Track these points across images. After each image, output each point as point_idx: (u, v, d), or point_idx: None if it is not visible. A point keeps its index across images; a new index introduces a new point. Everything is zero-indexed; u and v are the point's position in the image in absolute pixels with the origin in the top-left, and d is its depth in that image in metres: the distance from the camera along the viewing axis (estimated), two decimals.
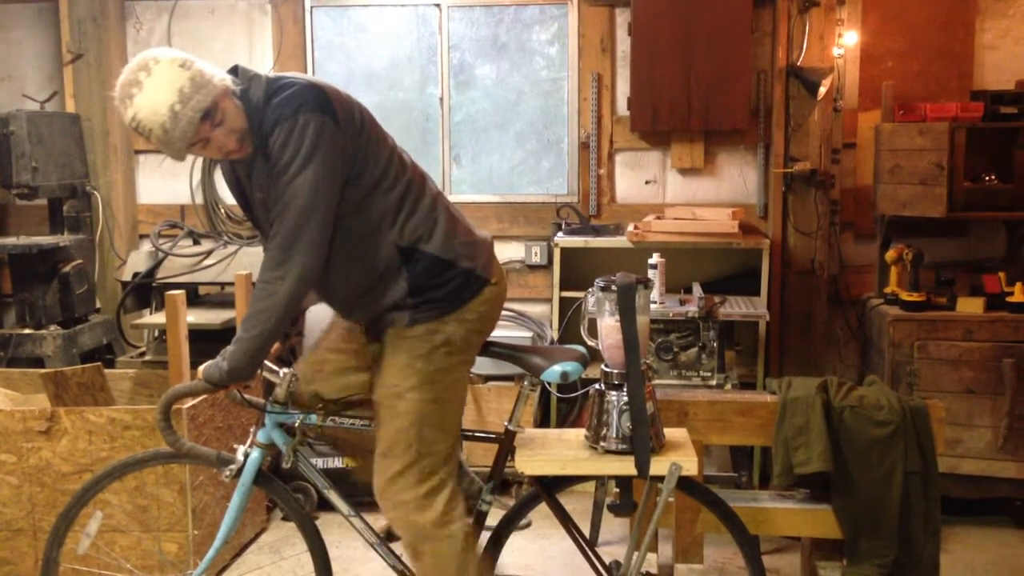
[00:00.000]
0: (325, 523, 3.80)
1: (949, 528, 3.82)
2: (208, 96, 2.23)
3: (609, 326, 2.50)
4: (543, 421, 4.46)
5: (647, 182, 4.83)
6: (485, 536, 2.58)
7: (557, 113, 4.98)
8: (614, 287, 2.46)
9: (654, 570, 3.33)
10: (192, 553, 3.28)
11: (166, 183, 5.09)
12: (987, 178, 4.22)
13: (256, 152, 2.33)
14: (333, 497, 2.58)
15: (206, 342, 3.69)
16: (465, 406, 2.56)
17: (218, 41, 5.01)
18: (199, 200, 5.02)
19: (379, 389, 2.47)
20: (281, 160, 2.25)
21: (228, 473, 2.55)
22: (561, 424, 4.51)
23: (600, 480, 3.61)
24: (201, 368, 2.40)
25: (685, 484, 2.48)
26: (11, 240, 4.46)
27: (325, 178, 2.26)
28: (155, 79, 2.21)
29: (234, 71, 2.36)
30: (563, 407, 4.57)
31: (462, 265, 2.42)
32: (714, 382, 3.90)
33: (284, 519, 4.00)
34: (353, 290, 2.47)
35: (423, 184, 2.47)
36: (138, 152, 5.09)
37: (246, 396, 2.58)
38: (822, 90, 4.43)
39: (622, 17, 4.74)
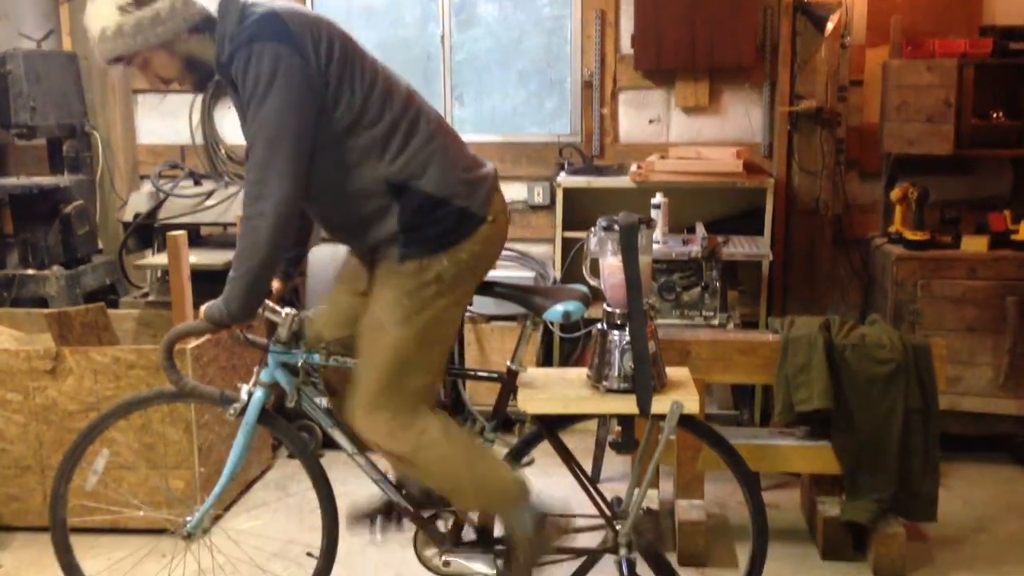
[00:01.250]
0: (330, 461, 3.82)
1: (949, 464, 3.84)
2: (124, 48, 2.28)
3: (611, 266, 2.50)
4: (546, 361, 4.48)
5: (651, 121, 4.79)
6: None
7: (560, 51, 4.92)
8: (616, 227, 2.45)
9: (655, 506, 3.38)
10: (199, 489, 3.32)
11: (165, 123, 5.05)
12: (995, 115, 4.17)
13: (228, 84, 2.32)
14: (337, 435, 2.60)
15: (209, 282, 3.69)
16: (453, 345, 2.55)
17: None
18: (199, 140, 4.98)
19: (364, 320, 2.45)
20: (244, 92, 2.25)
21: (232, 412, 2.57)
22: (564, 363, 4.54)
23: (602, 419, 3.64)
24: (203, 308, 2.41)
25: (686, 422, 2.49)
26: (11, 180, 4.43)
27: (289, 106, 2.22)
28: (98, 2, 2.29)
29: (223, 4, 2.32)
30: (566, 347, 4.58)
31: (456, 203, 2.37)
32: (716, 322, 3.91)
33: (290, 457, 4.05)
34: (343, 222, 2.46)
35: (417, 119, 2.40)
36: (136, 92, 5.04)
37: (249, 336, 2.60)
38: (829, 26, 4.36)
39: None
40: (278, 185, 2.23)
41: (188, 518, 2.65)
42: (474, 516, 2.60)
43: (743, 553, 3.22)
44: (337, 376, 2.60)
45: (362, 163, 2.34)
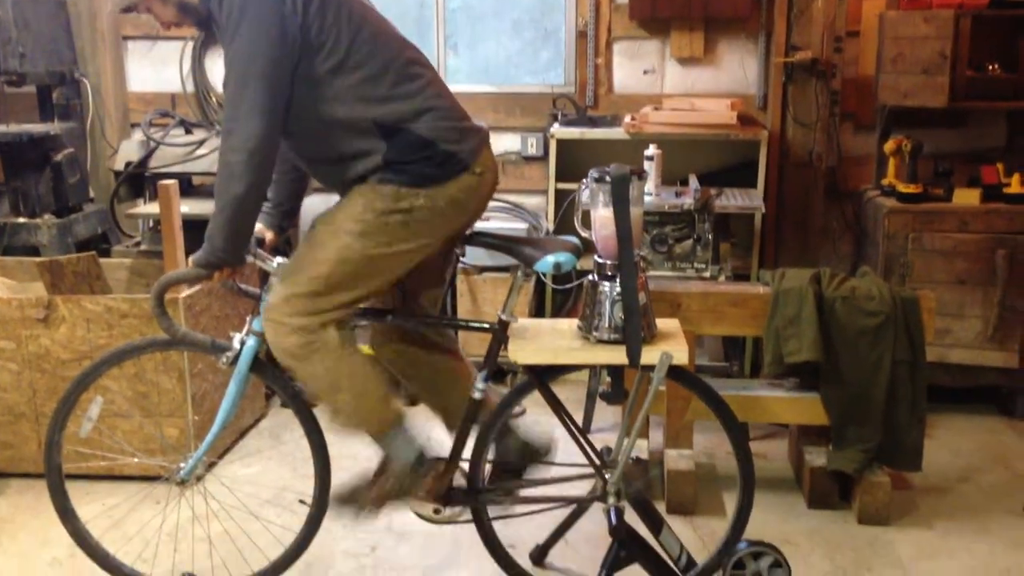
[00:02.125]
0: (322, 409, 3.87)
1: (936, 415, 3.90)
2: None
3: (603, 217, 2.49)
4: (538, 312, 4.49)
5: (645, 72, 4.75)
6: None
7: (555, 1, 4.86)
8: (608, 178, 2.44)
9: (645, 456, 3.42)
10: (193, 437, 3.35)
11: (156, 71, 5.00)
12: (990, 67, 4.15)
13: (214, 25, 2.34)
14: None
15: (200, 232, 3.66)
16: (391, 283, 2.53)
17: None
18: (190, 88, 4.94)
19: (323, 215, 2.46)
20: (219, 30, 2.28)
21: (224, 360, 2.58)
22: (555, 315, 4.55)
23: (593, 369, 3.67)
24: (191, 256, 2.42)
25: (676, 373, 2.51)
26: (1, 128, 4.40)
27: (260, 41, 2.23)
28: None
29: None
30: (558, 298, 4.60)
31: (443, 147, 2.39)
32: (708, 274, 3.92)
33: (283, 406, 4.07)
34: (325, 160, 2.47)
35: (410, 65, 2.41)
36: (126, 38, 4.98)
37: (242, 285, 2.60)
38: None
39: None
40: (249, 121, 2.25)
41: (181, 465, 2.68)
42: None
43: (730, 502, 3.27)
44: None
45: (348, 103, 2.34)
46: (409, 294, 2.68)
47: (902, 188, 3.99)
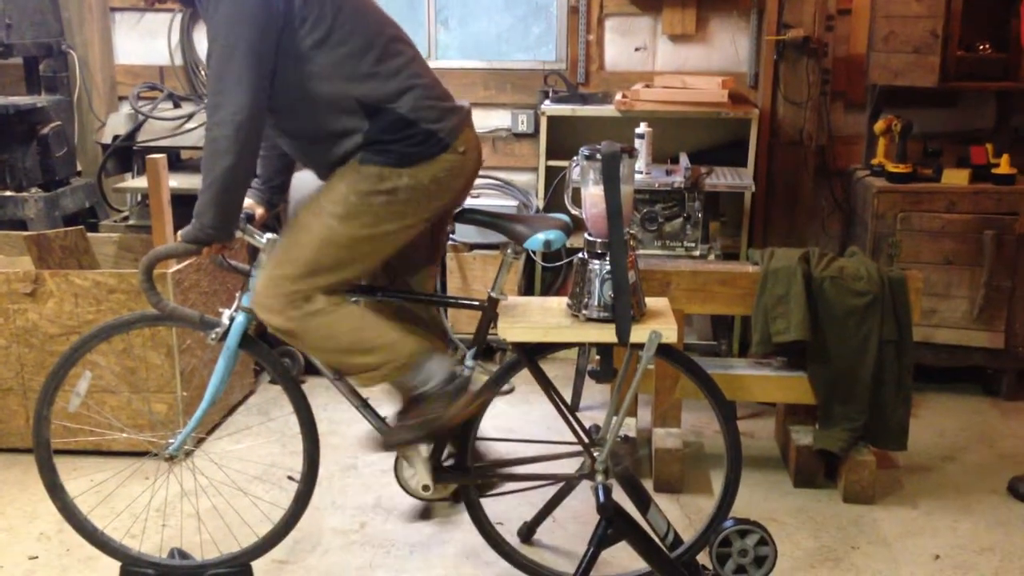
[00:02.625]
0: (312, 387, 3.88)
1: (922, 395, 3.93)
2: None
3: (593, 195, 2.49)
4: (527, 290, 4.50)
5: (637, 49, 4.73)
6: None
7: None
8: (598, 156, 2.43)
9: (633, 434, 3.44)
10: (181, 413, 3.35)
11: (144, 43, 4.95)
12: (981, 47, 4.15)
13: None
14: (318, 361, 2.62)
15: (189, 206, 3.63)
16: (376, 265, 2.53)
17: None
18: (178, 61, 4.90)
19: (307, 199, 2.45)
20: (201, 3, 2.27)
21: (213, 336, 2.58)
22: (545, 293, 4.56)
23: (582, 347, 3.68)
24: (180, 232, 2.40)
25: (664, 351, 2.52)
26: None
27: (241, 15, 2.21)
28: None
29: None
30: (547, 276, 4.60)
31: (424, 126, 2.37)
32: (698, 253, 3.92)
33: (272, 382, 4.07)
34: (307, 138, 2.46)
35: (392, 44, 2.40)
36: (114, 10, 4.93)
37: (231, 261, 2.59)
38: None
39: None
40: (235, 94, 2.23)
41: (170, 441, 2.67)
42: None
43: (717, 480, 3.30)
44: None
45: (331, 79, 2.33)
46: (397, 274, 2.68)
47: (891, 168, 4.00)
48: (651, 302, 2.61)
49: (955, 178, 3.93)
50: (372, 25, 2.39)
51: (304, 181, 2.75)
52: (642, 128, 4.06)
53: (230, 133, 2.24)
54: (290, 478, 3.07)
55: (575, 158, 2.55)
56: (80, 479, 3.19)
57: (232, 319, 2.58)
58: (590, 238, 2.52)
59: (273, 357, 2.69)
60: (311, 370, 3.89)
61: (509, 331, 2.50)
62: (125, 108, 4.77)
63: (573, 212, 2.64)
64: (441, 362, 2.49)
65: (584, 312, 2.51)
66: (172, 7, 4.80)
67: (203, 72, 4.86)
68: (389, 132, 2.36)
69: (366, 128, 2.36)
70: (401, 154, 2.37)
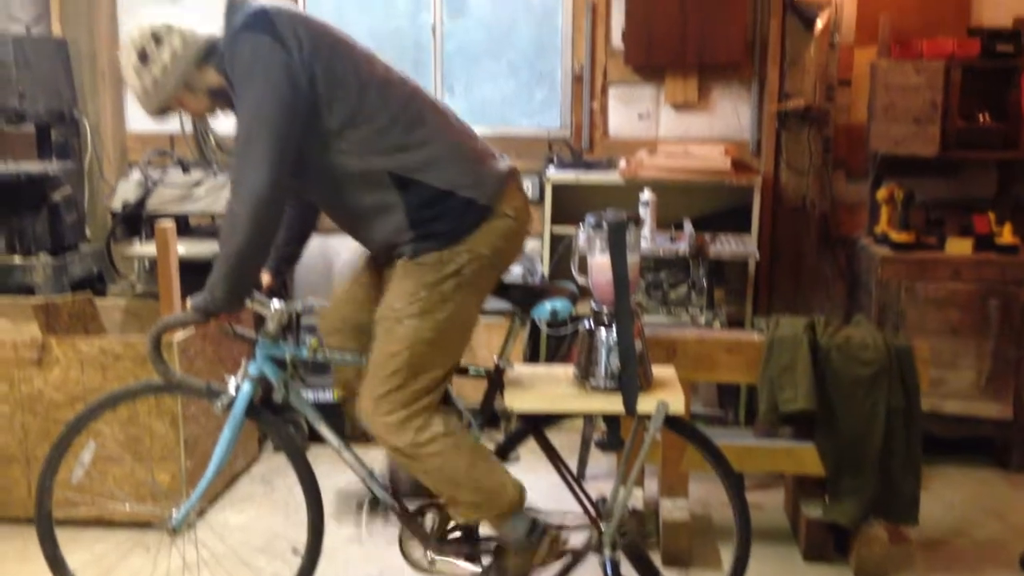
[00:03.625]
0: (316, 455, 3.82)
1: (930, 467, 3.89)
2: (158, 101, 2.43)
3: (599, 264, 2.50)
4: (532, 357, 4.49)
5: (640, 117, 4.79)
6: None
7: (550, 43, 4.92)
8: (605, 224, 2.45)
9: (640, 505, 3.40)
10: (185, 483, 3.32)
11: None
12: (981, 117, 4.20)
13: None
14: (324, 430, 2.61)
15: (197, 274, 3.66)
16: (469, 341, 2.55)
17: None
18: (188, 129, 4.95)
19: (381, 310, 2.45)
20: (231, 83, 2.33)
21: (219, 405, 2.57)
22: (550, 360, 4.55)
23: (588, 417, 3.66)
24: (190, 299, 2.41)
25: (672, 422, 2.51)
26: None
27: (267, 95, 2.25)
28: (124, 71, 2.44)
29: (228, 2, 2.39)
30: (552, 343, 4.59)
31: (462, 194, 2.37)
32: (703, 320, 3.93)
33: (276, 450, 4.05)
34: (347, 215, 2.47)
35: (420, 113, 2.41)
36: None
37: (237, 329, 2.60)
38: (819, 24, 4.38)
39: None
40: (255, 172, 2.26)
41: (174, 512, 2.65)
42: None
43: (727, 553, 3.25)
44: (352, 373, 2.61)
45: (361, 155, 2.35)
46: None
47: (895, 236, 4.02)
48: (658, 371, 2.61)
49: (959, 247, 3.94)
50: (398, 98, 2.40)
51: (310, 250, 2.77)
52: (646, 195, 4.10)
53: (248, 210, 2.27)
54: (294, 551, 3.04)
55: (582, 226, 2.56)
56: (81, 551, 3.15)
57: (238, 388, 2.58)
58: (596, 307, 2.53)
59: (278, 426, 2.68)
60: (315, 438, 3.87)
61: (517, 400, 2.50)
62: (135, 175, 4.80)
63: (580, 280, 2.65)
64: (524, 519, 2.52)
65: (591, 381, 2.51)
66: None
67: (212, 139, 4.91)
68: (427, 207, 2.36)
69: (403, 204, 2.36)
70: (448, 231, 2.36)
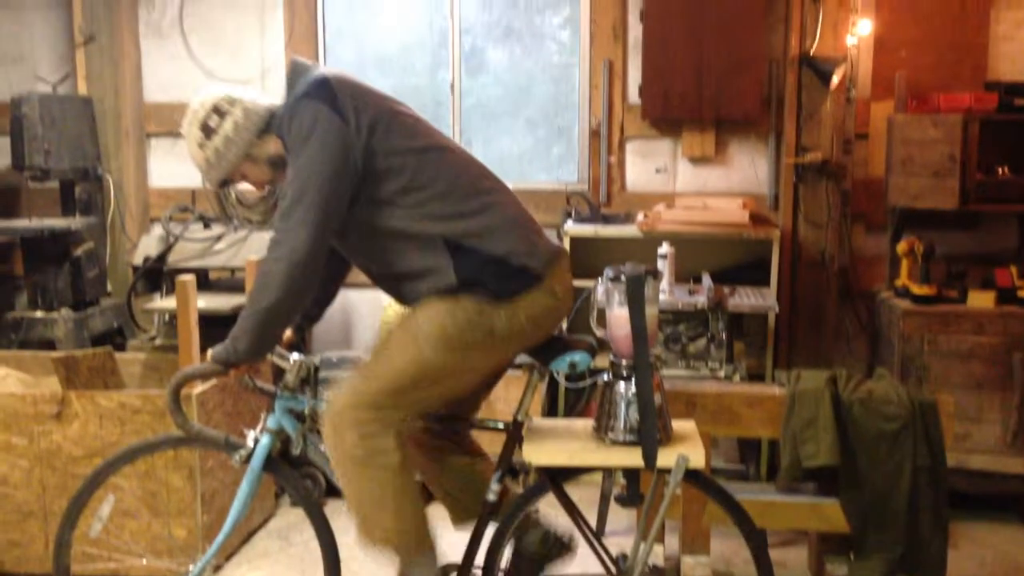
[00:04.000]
0: (333, 510, 3.81)
1: (957, 523, 3.81)
2: (220, 173, 2.50)
3: (618, 317, 2.50)
4: (551, 410, 4.46)
5: (658, 170, 4.82)
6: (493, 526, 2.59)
7: (568, 100, 4.97)
8: (623, 277, 2.45)
9: (660, 561, 3.35)
10: (201, 538, 3.30)
11: (177, 167, 5.09)
12: (1000, 170, 4.19)
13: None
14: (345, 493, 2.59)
15: (216, 327, 3.70)
16: (455, 396, 2.53)
17: (230, 23, 5.00)
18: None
19: (405, 318, 2.46)
20: (287, 147, 2.38)
21: (238, 458, 2.56)
22: (569, 414, 4.52)
23: (607, 471, 3.62)
24: (210, 350, 2.42)
25: (692, 476, 2.48)
26: (23, 222, 4.47)
27: (320, 161, 2.29)
28: (187, 142, 2.53)
29: (291, 68, 2.47)
30: (571, 396, 4.57)
31: (513, 261, 2.38)
32: (723, 373, 3.90)
33: (292, 505, 4.02)
34: (393, 274, 2.48)
35: (476, 181, 2.44)
36: (150, 135, 5.09)
37: (257, 382, 2.60)
38: (835, 79, 4.41)
39: (634, 4, 4.71)
40: (297, 234, 2.29)
41: (191, 567, 2.63)
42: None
43: None
44: None
45: (416, 221, 2.37)
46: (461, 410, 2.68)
47: (916, 290, 4.00)
48: (678, 425, 2.58)
49: (981, 300, 3.91)
50: (456, 167, 2.44)
51: (361, 300, 2.78)
52: (664, 248, 4.10)
53: (284, 268, 2.29)
54: None
55: (600, 279, 2.56)
56: None
57: (257, 440, 2.57)
58: (615, 360, 2.52)
59: (296, 480, 2.67)
60: (332, 492, 3.85)
61: (535, 454, 2.48)
62: (156, 230, 4.86)
63: (598, 333, 2.64)
64: (431, 566, 2.49)
65: (610, 435, 2.49)
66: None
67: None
68: (479, 270, 2.37)
69: (452, 266, 2.37)
70: (497, 288, 2.37)
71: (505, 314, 2.38)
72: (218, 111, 2.44)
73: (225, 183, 2.54)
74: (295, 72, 2.45)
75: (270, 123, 2.46)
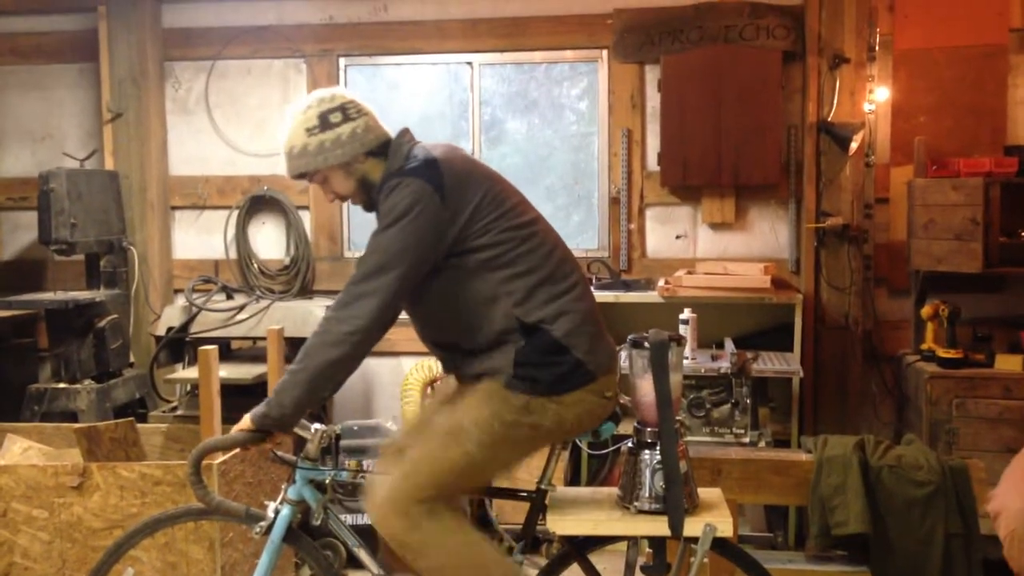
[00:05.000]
0: None
1: None
2: (309, 165, 2.46)
3: (642, 383, 2.48)
4: (574, 478, 4.41)
5: (678, 237, 4.83)
6: None
7: (587, 168, 5.01)
8: (646, 344, 2.44)
9: None
10: None
11: (201, 239, 5.16)
12: (1023, 233, 4.17)
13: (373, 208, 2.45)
14: (363, 555, 2.56)
15: (238, 397, 3.71)
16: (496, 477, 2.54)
17: (254, 98, 5.11)
18: (233, 255, 5.07)
19: (447, 414, 2.45)
20: (379, 215, 2.38)
21: (258, 530, 2.54)
22: (592, 481, 4.46)
23: (632, 540, 3.56)
24: (247, 415, 2.41)
25: (720, 545, 2.43)
26: (48, 295, 4.52)
27: (408, 240, 2.31)
28: (293, 120, 2.48)
29: (402, 133, 2.52)
30: (593, 464, 4.52)
31: (574, 354, 2.37)
32: (747, 439, 3.85)
33: None
34: (451, 344, 2.48)
35: (560, 267, 2.44)
36: (174, 208, 5.17)
37: (278, 452, 2.58)
38: (853, 145, 4.43)
39: (652, 74, 4.78)
40: (369, 302, 2.31)
41: None
42: None
43: None
44: None
45: (495, 297, 2.38)
46: None
47: (942, 353, 3.96)
48: (704, 492, 2.54)
49: (1009, 364, 3.87)
50: (543, 246, 2.45)
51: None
52: (686, 314, 4.09)
53: (347, 331, 2.31)
54: None
55: (623, 346, 2.55)
56: None
57: (277, 512, 2.55)
58: (640, 427, 2.49)
59: (317, 551, 2.64)
60: (353, 563, 3.79)
61: (559, 524, 2.44)
62: (180, 300, 4.91)
63: (622, 400, 2.62)
64: None
65: (635, 504, 2.45)
66: (230, 203, 5.02)
67: (255, 264, 5.02)
68: (538, 355, 2.36)
69: (518, 344, 2.37)
70: (548, 382, 2.36)
71: (553, 410, 2.37)
72: (344, 111, 2.45)
73: (303, 176, 2.51)
74: (405, 141, 2.49)
75: (380, 149, 2.47)
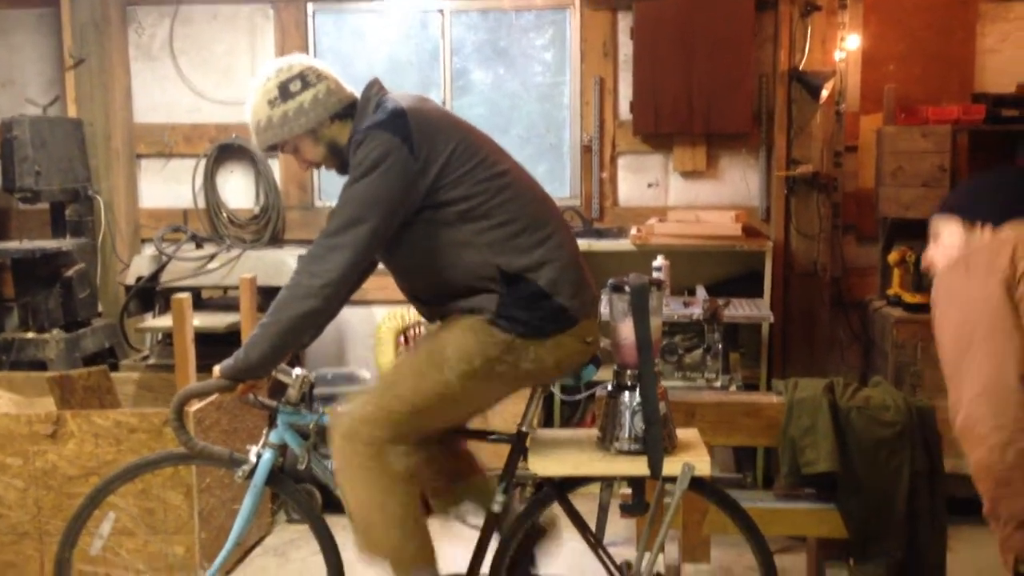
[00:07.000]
0: (331, 524, 3.79)
1: (956, 528, 3.80)
2: (276, 137, 2.45)
3: (622, 327, 2.50)
4: (546, 423, 4.46)
5: (649, 185, 4.85)
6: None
7: (556, 117, 5.00)
8: (627, 288, 2.46)
9: (662, 570, 3.34)
10: (200, 555, 3.27)
11: (168, 187, 5.08)
12: None
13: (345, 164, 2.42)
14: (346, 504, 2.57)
15: (210, 346, 3.69)
16: (470, 417, 2.56)
17: (220, 44, 5.01)
18: (201, 204, 5.01)
19: (428, 343, 2.47)
20: (349, 169, 2.36)
21: (240, 474, 2.55)
22: (563, 426, 4.52)
23: (607, 481, 3.62)
24: (217, 366, 2.41)
25: (697, 484, 2.48)
26: (13, 244, 4.44)
27: (382, 194, 2.30)
28: (255, 94, 2.45)
29: (370, 85, 2.48)
30: (566, 410, 4.57)
31: (556, 300, 2.38)
32: (719, 383, 3.91)
33: (289, 522, 3.99)
34: (437, 293, 2.48)
35: (537, 216, 2.43)
36: (140, 156, 5.08)
37: (259, 398, 2.59)
38: (824, 93, 4.46)
39: (624, 22, 4.75)
40: (340, 255, 2.30)
41: None
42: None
43: None
44: None
45: (475, 247, 2.37)
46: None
47: (908, 298, 4.03)
48: (681, 434, 2.59)
49: None
50: (522, 196, 2.44)
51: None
52: (659, 261, 4.12)
53: (319, 284, 2.30)
54: None
55: (603, 290, 2.57)
56: None
57: (260, 456, 2.56)
58: (620, 370, 2.52)
59: (300, 493, 2.66)
60: (330, 507, 3.82)
61: (541, 465, 2.48)
62: (148, 250, 4.85)
63: (601, 344, 2.64)
64: None
65: (615, 445, 2.49)
66: (197, 151, 4.95)
67: (225, 214, 4.96)
68: (522, 304, 2.37)
69: (501, 292, 2.37)
70: (533, 326, 2.37)
71: (534, 352, 2.39)
72: (303, 79, 2.42)
73: (273, 148, 2.50)
74: (374, 93, 2.46)
75: (347, 113, 2.45)
